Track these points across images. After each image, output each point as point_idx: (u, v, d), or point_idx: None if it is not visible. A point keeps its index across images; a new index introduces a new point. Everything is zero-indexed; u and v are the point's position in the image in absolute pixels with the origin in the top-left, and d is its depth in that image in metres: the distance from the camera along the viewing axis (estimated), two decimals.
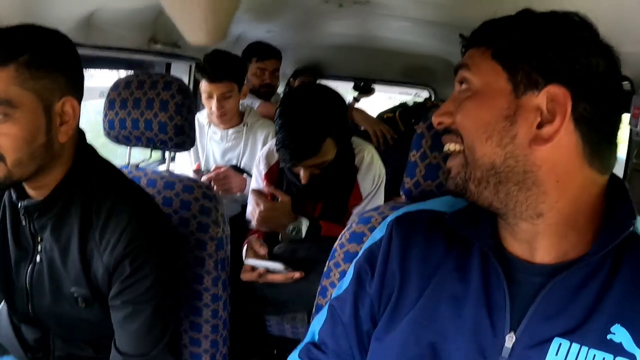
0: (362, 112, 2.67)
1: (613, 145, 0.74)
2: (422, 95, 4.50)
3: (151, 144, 1.46)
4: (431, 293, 0.81)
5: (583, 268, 0.71)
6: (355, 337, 0.89)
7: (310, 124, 1.52)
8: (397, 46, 3.16)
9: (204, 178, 2.15)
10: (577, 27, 0.72)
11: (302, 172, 1.62)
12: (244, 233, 1.79)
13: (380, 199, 1.77)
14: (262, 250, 1.58)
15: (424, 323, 0.79)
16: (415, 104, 2.96)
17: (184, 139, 1.44)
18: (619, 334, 0.68)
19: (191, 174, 2.27)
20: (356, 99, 3.26)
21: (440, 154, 1.03)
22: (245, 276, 1.55)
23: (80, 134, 1.10)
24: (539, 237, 0.74)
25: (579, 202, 0.73)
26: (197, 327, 1.38)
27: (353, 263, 0.94)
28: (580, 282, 0.71)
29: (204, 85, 2.16)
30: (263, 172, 1.86)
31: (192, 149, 2.34)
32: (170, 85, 1.43)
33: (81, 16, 1.65)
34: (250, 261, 1.54)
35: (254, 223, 1.70)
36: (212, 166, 2.32)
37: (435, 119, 0.81)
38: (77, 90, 1.03)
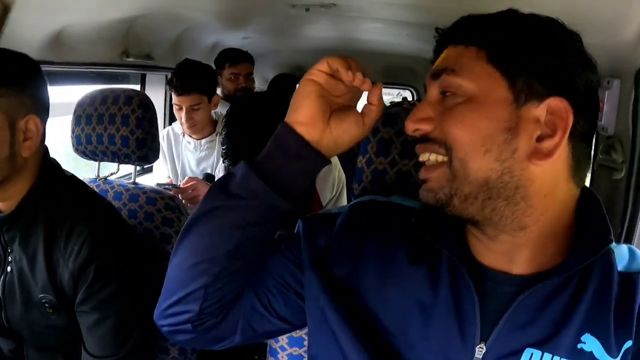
0: None
1: (590, 159, 0.74)
2: (404, 95, 4.53)
3: (116, 158, 1.49)
4: (397, 298, 0.76)
5: (556, 277, 0.69)
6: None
7: (255, 133, 1.45)
8: (375, 47, 3.19)
9: (173, 191, 2.17)
10: (572, 37, 0.70)
11: None
12: None
13: (343, 205, 1.77)
14: None
15: (390, 331, 0.76)
16: (392, 104, 2.98)
17: (147, 152, 1.46)
18: (590, 343, 0.68)
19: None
20: None
21: (385, 160, 1.03)
22: None
23: (45, 150, 1.15)
24: (517, 249, 0.71)
25: (560, 215, 0.71)
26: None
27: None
28: (551, 292, 0.70)
29: (173, 97, 2.18)
30: None
31: (168, 159, 2.39)
32: (131, 100, 1.46)
33: (49, 35, 1.68)
34: None
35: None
36: (189, 175, 2.34)
37: (411, 125, 0.73)
38: (41, 110, 1.09)
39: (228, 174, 0.78)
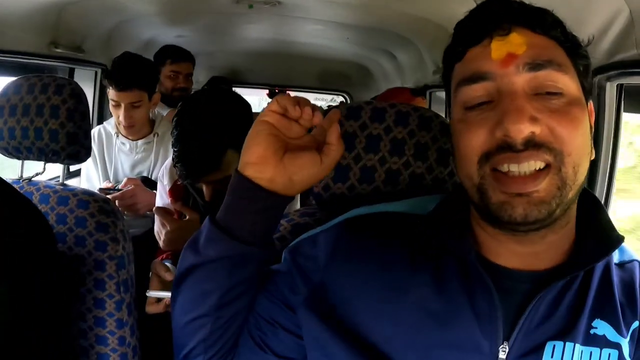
0: None
1: None
2: (337, 100, 4.60)
3: (43, 156, 1.33)
4: (406, 309, 0.73)
5: (574, 272, 0.70)
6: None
7: (207, 135, 1.34)
8: (312, 51, 3.18)
9: (110, 197, 1.98)
10: None
11: (204, 189, 1.48)
12: (157, 250, 1.65)
13: (296, 207, 1.67)
14: (169, 276, 1.37)
15: (403, 342, 0.71)
16: (330, 107, 2.98)
17: (78, 148, 1.31)
18: (601, 327, 0.69)
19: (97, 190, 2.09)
20: None
21: (350, 155, 0.97)
22: (150, 309, 1.37)
23: None
24: (550, 247, 0.71)
25: (575, 207, 0.72)
26: (104, 357, 1.26)
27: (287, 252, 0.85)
28: (564, 285, 0.70)
29: (111, 92, 2.00)
30: (167, 187, 1.70)
31: (98, 162, 2.19)
32: (62, 89, 1.31)
33: None
34: (152, 293, 1.35)
35: (161, 244, 1.55)
36: (122, 179, 2.14)
37: (525, 127, 0.63)
38: None
39: (197, 233, 0.79)
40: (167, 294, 1.28)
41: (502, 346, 0.68)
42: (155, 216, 1.56)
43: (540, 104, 0.64)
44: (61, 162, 1.36)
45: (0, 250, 0.89)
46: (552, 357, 0.68)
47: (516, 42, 0.66)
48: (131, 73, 1.96)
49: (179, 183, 1.65)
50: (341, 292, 0.77)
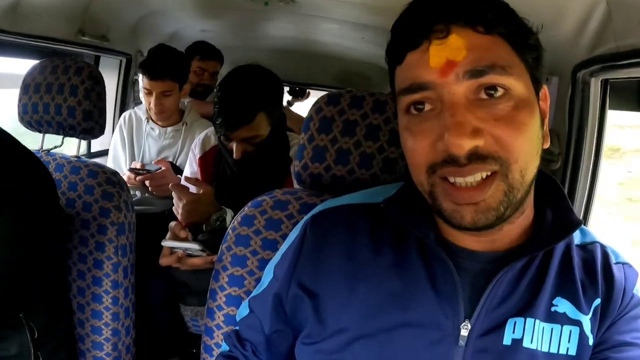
0: (289, 112, 2.72)
1: None
2: None
3: (61, 130, 1.46)
4: (369, 292, 0.75)
5: (533, 253, 0.71)
6: (267, 338, 0.88)
7: (242, 94, 1.57)
8: (332, 50, 3.22)
9: (139, 178, 2.12)
10: None
11: (234, 147, 1.63)
12: None
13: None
14: (183, 234, 1.48)
15: (367, 324, 0.74)
16: None
17: (92, 124, 1.44)
18: (562, 305, 0.72)
19: (125, 171, 2.23)
20: (289, 103, 3.33)
21: (327, 137, 1.05)
22: (164, 261, 1.47)
23: None
24: (507, 233, 0.72)
25: (532, 192, 0.72)
26: (97, 314, 1.37)
27: (272, 266, 0.89)
28: (524, 265, 0.73)
29: (144, 81, 2.14)
30: (198, 156, 1.87)
31: (127, 144, 2.34)
32: (81, 70, 1.44)
33: (7, 3, 1.64)
34: (167, 243, 1.50)
35: (179, 217, 1.67)
36: (147, 163, 2.29)
37: (467, 143, 0.61)
38: None
39: None
40: (180, 244, 1.41)
41: (464, 324, 0.71)
42: (172, 192, 1.69)
43: (484, 112, 0.62)
44: (77, 137, 1.49)
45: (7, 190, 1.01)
46: (513, 332, 0.70)
47: (455, 46, 0.62)
48: (163, 64, 2.11)
49: (214, 153, 1.83)
50: (312, 286, 0.80)
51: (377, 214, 0.80)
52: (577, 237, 0.79)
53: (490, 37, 0.63)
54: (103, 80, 1.49)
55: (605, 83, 1.26)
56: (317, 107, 1.08)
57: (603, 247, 0.79)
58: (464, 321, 0.71)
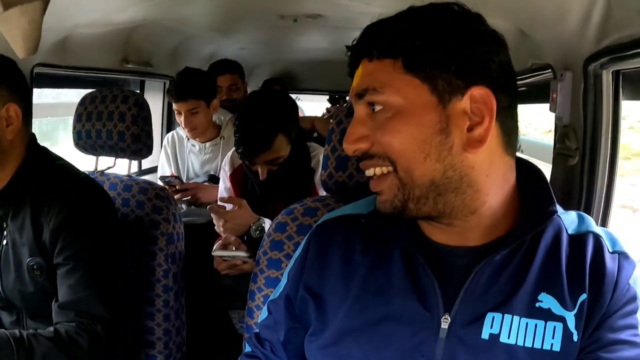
0: (324, 121, 2.81)
1: (517, 128, 0.77)
2: None
3: (113, 152, 1.61)
4: (358, 291, 0.82)
5: (507, 247, 0.74)
6: (283, 336, 0.93)
7: (260, 120, 1.67)
8: None
9: (176, 196, 2.28)
10: (476, 21, 0.73)
11: (259, 169, 1.75)
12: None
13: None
14: (232, 237, 1.67)
15: (355, 319, 0.80)
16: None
17: (141, 146, 1.58)
18: (546, 300, 0.72)
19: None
20: (328, 111, 3.41)
21: (341, 147, 1.11)
22: (221, 267, 1.65)
23: (32, 137, 1.32)
24: (470, 230, 0.76)
25: (504, 189, 0.76)
26: (150, 316, 1.51)
27: (287, 271, 0.96)
28: (504, 259, 0.75)
29: (173, 103, 2.32)
30: (228, 173, 2.00)
31: (171, 161, 2.52)
32: (127, 99, 1.58)
33: (56, 39, 1.82)
34: (217, 253, 1.63)
35: (221, 235, 1.78)
36: (192, 176, 2.49)
37: (349, 147, 0.76)
38: (19, 98, 1.25)
39: None
40: (229, 253, 1.55)
41: (444, 317, 0.75)
42: (212, 214, 1.79)
43: (373, 123, 0.74)
44: (127, 157, 1.64)
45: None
46: (491, 327, 0.72)
47: (358, 74, 0.77)
48: (185, 85, 2.26)
49: (237, 167, 1.95)
50: (316, 288, 0.88)
51: (365, 223, 0.89)
52: (572, 225, 0.79)
53: (377, 63, 0.74)
54: (148, 106, 1.64)
55: (616, 74, 1.27)
56: (337, 120, 1.17)
57: (596, 237, 0.77)
58: (444, 314, 0.75)
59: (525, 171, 0.80)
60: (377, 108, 0.73)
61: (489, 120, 0.70)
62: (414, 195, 0.73)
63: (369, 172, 0.76)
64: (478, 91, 0.70)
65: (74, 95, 2.49)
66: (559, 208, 0.79)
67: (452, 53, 0.70)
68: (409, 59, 0.71)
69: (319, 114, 4.01)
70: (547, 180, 0.80)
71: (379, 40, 0.74)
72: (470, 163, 0.72)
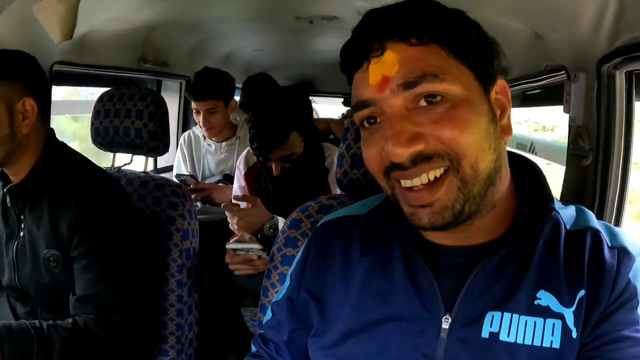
0: (339, 123, 2.83)
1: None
2: None
3: (130, 149, 1.64)
4: (358, 292, 0.82)
5: (507, 246, 0.73)
6: (287, 337, 0.94)
7: (274, 117, 1.70)
8: None
9: (193, 196, 2.30)
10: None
11: (273, 165, 1.77)
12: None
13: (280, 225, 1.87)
14: (247, 235, 1.67)
15: (357, 320, 0.80)
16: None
17: (157, 143, 1.61)
18: (545, 298, 0.71)
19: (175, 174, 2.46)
20: (343, 114, 3.43)
21: (356, 144, 1.15)
22: (234, 261, 1.64)
23: (51, 132, 1.34)
24: (479, 228, 0.74)
25: (505, 183, 0.74)
26: (164, 310, 1.54)
27: (290, 273, 0.96)
28: (503, 257, 0.74)
29: (192, 102, 2.35)
30: (243, 172, 2.03)
31: (187, 160, 2.56)
32: (145, 97, 1.61)
33: (75, 38, 1.85)
34: (231, 245, 1.63)
35: (236, 233, 1.78)
36: (207, 175, 2.52)
37: (404, 151, 0.66)
38: (36, 93, 1.28)
39: None
40: (243, 245, 1.55)
41: (445, 317, 0.74)
42: (227, 213, 1.82)
43: (423, 117, 0.67)
44: (144, 154, 1.67)
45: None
46: (491, 326, 0.72)
47: (389, 62, 0.67)
48: (205, 85, 2.30)
49: (252, 165, 1.98)
50: (316, 290, 0.88)
51: (364, 223, 0.88)
52: (570, 220, 0.77)
53: (422, 48, 0.67)
54: (165, 104, 1.66)
55: (630, 75, 1.28)
56: (352, 120, 1.19)
57: (595, 232, 0.75)
58: (445, 314, 0.74)
59: (521, 166, 0.79)
60: (437, 99, 0.67)
61: (509, 108, 0.72)
62: (472, 194, 0.68)
63: (423, 179, 0.68)
64: (501, 81, 0.72)
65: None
66: (557, 203, 0.78)
67: (488, 43, 0.70)
68: (458, 46, 0.68)
69: (334, 117, 4.02)
70: (544, 175, 0.79)
71: (417, 19, 0.68)
72: (502, 152, 0.71)
